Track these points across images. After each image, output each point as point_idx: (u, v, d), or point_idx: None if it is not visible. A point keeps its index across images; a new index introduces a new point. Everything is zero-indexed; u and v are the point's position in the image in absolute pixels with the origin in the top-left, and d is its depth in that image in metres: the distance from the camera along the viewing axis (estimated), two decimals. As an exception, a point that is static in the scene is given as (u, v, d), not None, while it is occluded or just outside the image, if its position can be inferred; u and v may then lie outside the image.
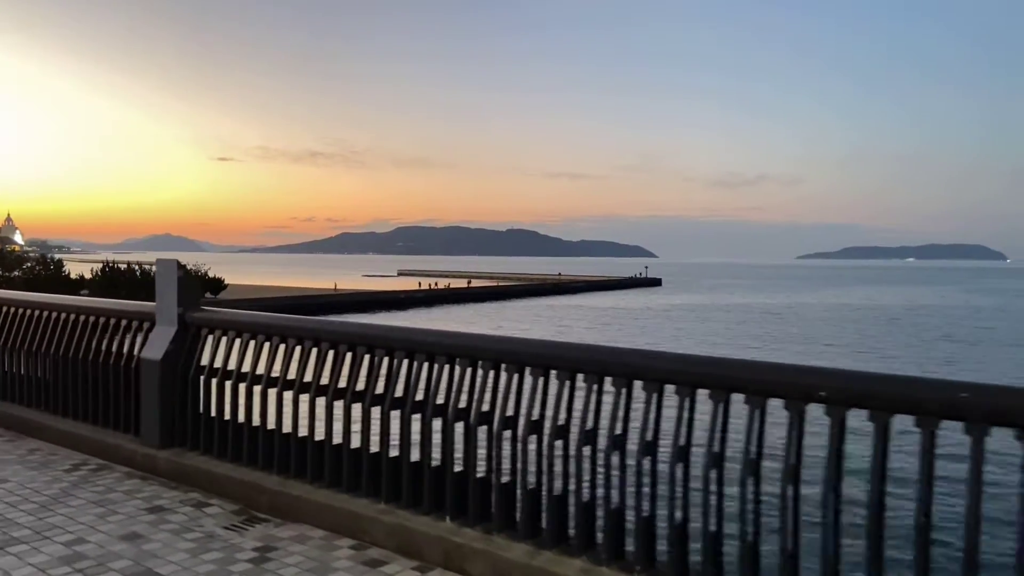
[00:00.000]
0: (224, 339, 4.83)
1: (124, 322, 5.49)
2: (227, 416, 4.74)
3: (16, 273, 62.87)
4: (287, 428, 4.44)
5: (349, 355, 4.22)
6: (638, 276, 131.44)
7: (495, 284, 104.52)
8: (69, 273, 62.44)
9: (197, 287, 5.27)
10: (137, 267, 63.96)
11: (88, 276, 61.72)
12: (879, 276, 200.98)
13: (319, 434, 4.32)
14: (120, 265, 64.08)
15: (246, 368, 4.69)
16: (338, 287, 76.04)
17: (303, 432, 4.38)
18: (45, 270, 63.12)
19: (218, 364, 4.81)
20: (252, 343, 4.70)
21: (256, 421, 4.59)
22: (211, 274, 66.41)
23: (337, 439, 4.21)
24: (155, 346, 5.05)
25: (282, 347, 4.53)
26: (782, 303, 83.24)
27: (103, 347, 5.49)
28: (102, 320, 5.60)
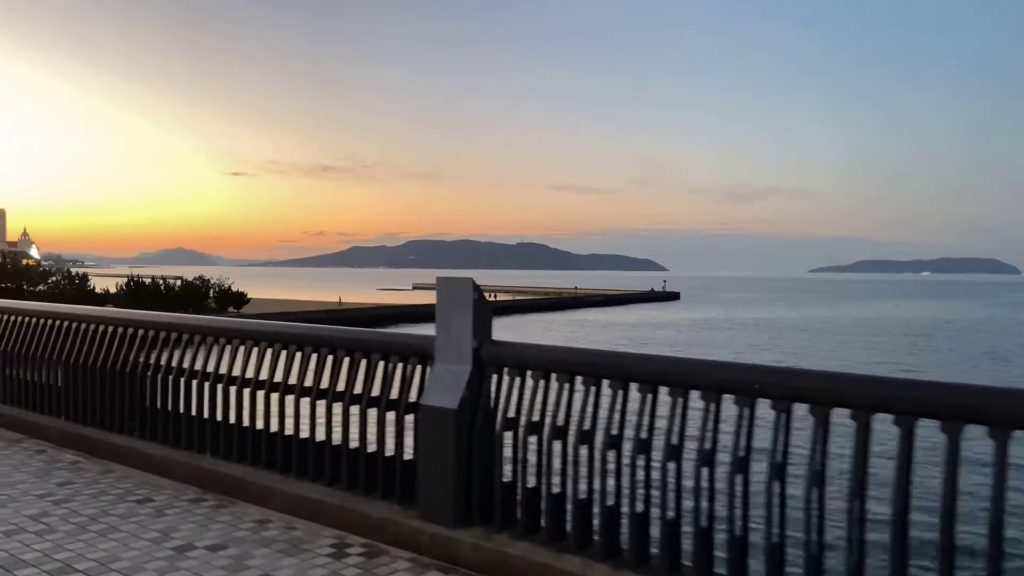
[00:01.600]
0: (518, 380, 3.79)
1: (379, 356, 4.28)
2: (533, 483, 3.69)
3: (41, 287, 63.12)
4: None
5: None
6: (655, 290, 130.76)
7: (513, 298, 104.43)
8: (94, 287, 62.58)
9: (491, 313, 4.08)
10: (161, 281, 64.08)
11: (112, 290, 61.80)
12: (894, 290, 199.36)
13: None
14: (144, 279, 64.22)
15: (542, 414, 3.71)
16: (342, 300, 75.73)
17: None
18: (70, 284, 63.32)
19: (511, 411, 3.79)
20: (551, 382, 3.70)
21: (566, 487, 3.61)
22: (234, 288, 66.75)
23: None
24: (443, 390, 3.88)
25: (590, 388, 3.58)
26: (807, 317, 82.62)
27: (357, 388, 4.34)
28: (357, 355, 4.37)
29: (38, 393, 6.24)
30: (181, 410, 5.10)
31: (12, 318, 6.66)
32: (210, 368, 4.94)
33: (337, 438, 4.36)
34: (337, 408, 4.35)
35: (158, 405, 5.24)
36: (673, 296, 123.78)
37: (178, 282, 63.22)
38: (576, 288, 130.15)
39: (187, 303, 59.96)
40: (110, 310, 6.49)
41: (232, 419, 4.80)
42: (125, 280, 62.01)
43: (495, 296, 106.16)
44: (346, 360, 4.41)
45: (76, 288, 61.56)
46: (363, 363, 4.31)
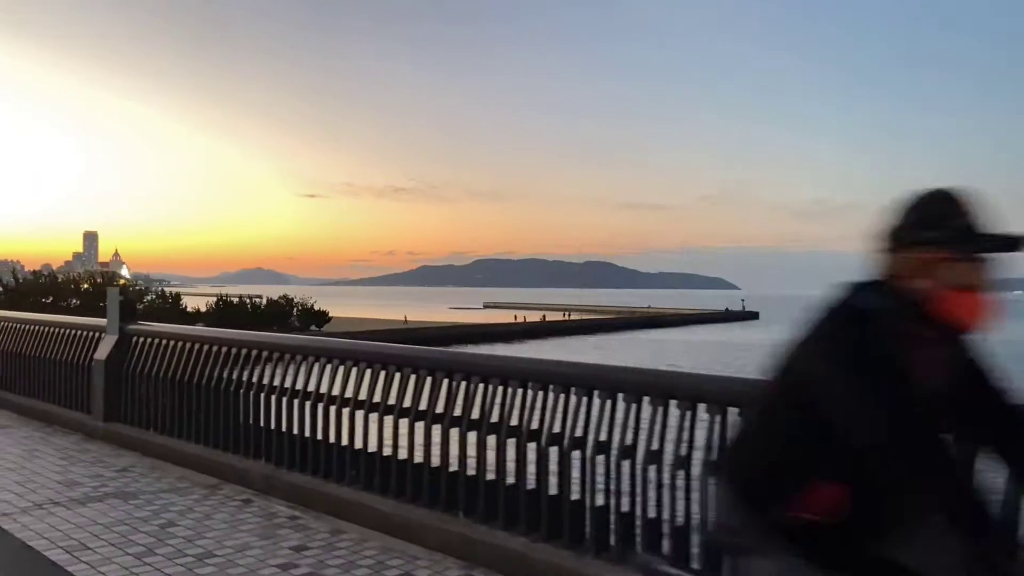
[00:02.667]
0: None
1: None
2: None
3: (139, 307, 65.45)
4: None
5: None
6: (730, 310, 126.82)
7: (589, 317, 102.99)
8: (186, 306, 64.61)
9: None
10: (248, 300, 65.55)
11: (203, 309, 63.49)
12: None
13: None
14: (232, 298, 65.82)
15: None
16: (408, 319, 76.07)
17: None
18: (164, 303, 65.58)
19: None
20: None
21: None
22: (316, 307, 68.03)
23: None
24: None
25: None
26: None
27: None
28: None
29: (234, 430, 5.90)
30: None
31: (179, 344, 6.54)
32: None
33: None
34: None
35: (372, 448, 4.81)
36: (752, 315, 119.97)
37: (263, 301, 64.65)
38: (649, 307, 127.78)
39: (272, 321, 61.35)
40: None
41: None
42: (215, 299, 63.94)
43: (568, 315, 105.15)
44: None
45: (169, 307, 63.88)
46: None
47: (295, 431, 5.39)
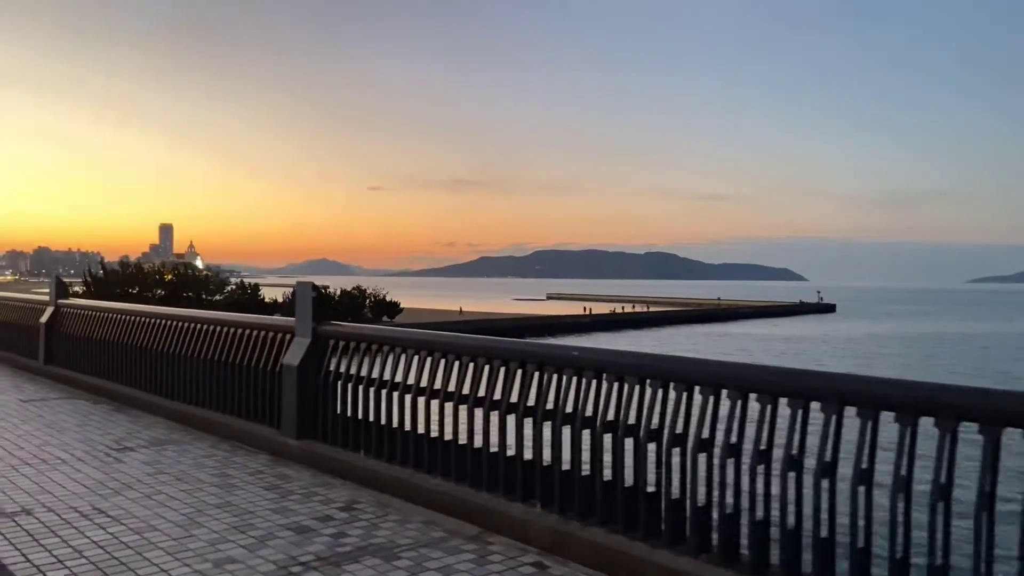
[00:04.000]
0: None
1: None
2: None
3: (217, 297, 66.66)
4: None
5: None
6: (804, 302, 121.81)
7: (661, 309, 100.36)
8: (264, 297, 65.37)
9: None
10: (324, 290, 65.81)
11: (279, 299, 64.19)
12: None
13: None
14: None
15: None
16: (463, 310, 75.70)
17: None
18: (243, 294, 66.48)
19: None
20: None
21: None
22: (388, 298, 68.10)
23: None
24: None
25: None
26: (998, 331, 73.79)
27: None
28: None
29: (488, 462, 4.68)
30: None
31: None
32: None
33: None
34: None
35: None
36: (828, 308, 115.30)
37: (336, 291, 64.91)
38: (719, 299, 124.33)
39: (346, 312, 61.76)
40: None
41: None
42: (291, 291, 64.39)
43: (634, 307, 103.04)
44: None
45: (248, 298, 64.76)
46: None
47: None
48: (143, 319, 8.64)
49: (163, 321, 8.26)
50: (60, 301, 10.95)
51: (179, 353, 7.80)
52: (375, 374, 5.72)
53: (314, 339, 6.21)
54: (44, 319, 10.99)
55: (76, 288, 57.70)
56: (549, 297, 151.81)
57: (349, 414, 5.89)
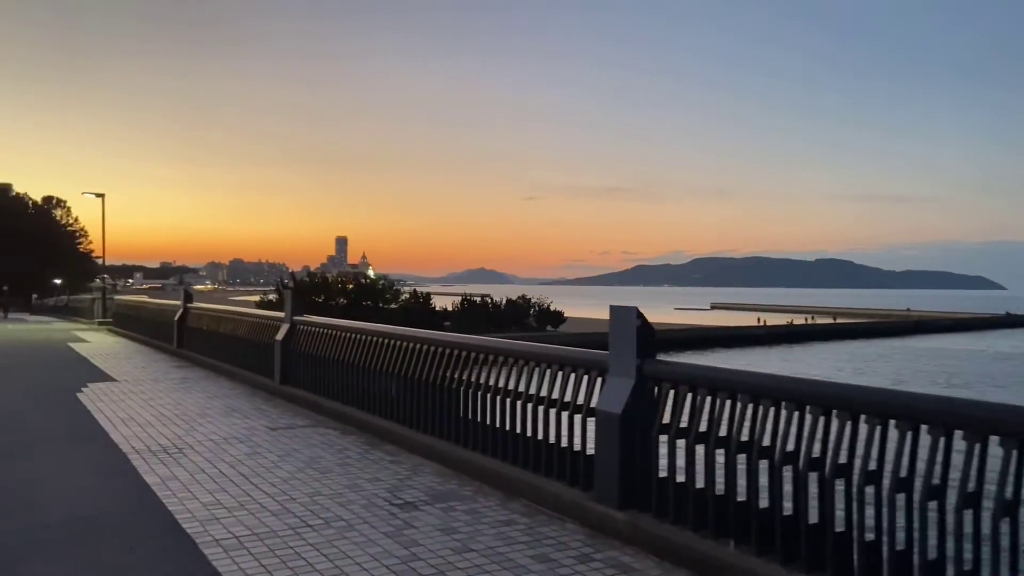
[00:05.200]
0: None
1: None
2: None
3: (393, 305, 69.10)
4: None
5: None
6: (1011, 313, 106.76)
7: (845, 321, 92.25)
8: (435, 306, 66.87)
9: None
10: (489, 300, 66.67)
11: (450, 308, 65.32)
12: None
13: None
14: (474, 298, 67.39)
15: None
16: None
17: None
18: (417, 303, 68.43)
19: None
20: None
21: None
22: (552, 307, 67.46)
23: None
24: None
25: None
26: None
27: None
28: None
29: None
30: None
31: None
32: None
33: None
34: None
35: None
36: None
37: (502, 300, 65.19)
38: (908, 310, 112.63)
39: (511, 321, 61.73)
40: None
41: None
42: (460, 299, 65.63)
43: (812, 318, 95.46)
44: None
45: (420, 306, 66.55)
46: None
47: None
48: (396, 342, 7.76)
49: (422, 346, 7.30)
50: (296, 318, 10.52)
51: (445, 385, 6.78)
52: (722, 431, 4.34)
53: (639, 381, 4.85)
54: (280, 336, 10.63)
55: (271, 297, 62.27)
56: (713, 307, 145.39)
57: (684, 479, 4.51)
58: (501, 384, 6.22)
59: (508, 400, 6.05)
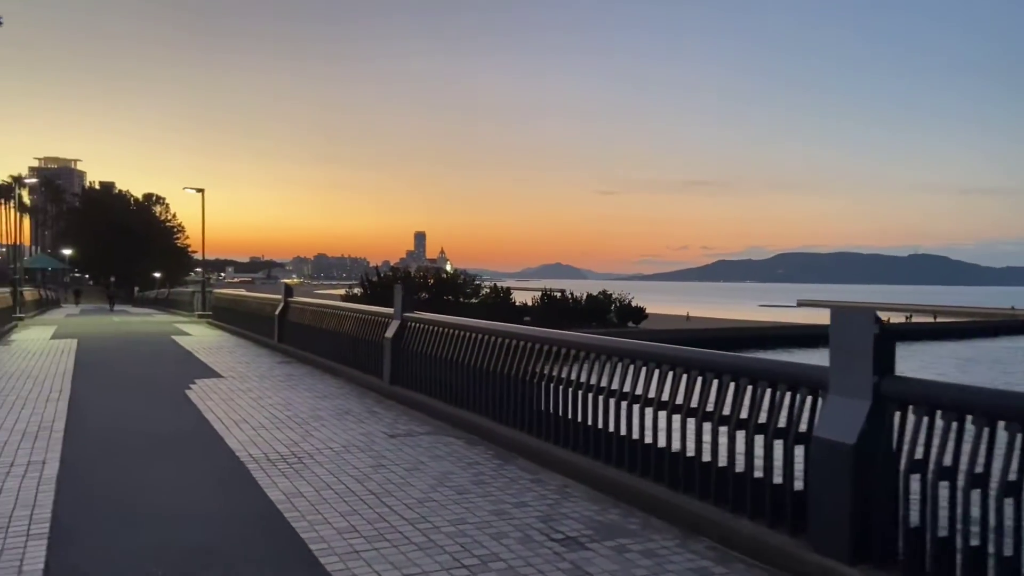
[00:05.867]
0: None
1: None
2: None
3: (473, 300, 68.98)
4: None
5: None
6: None
7: (948, 320, 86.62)
8: (515, 300, 66.33)
9: None
10: (571, 295, 65.82)
11: (530, 303, 64.71)
12: None
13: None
14: (555, 293, 66.63)
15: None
16: (690, 316, 70.50)
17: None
18: (496, 297, 68.09)
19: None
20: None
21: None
22: (634, 303, 65.88)
23: None
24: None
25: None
26: None
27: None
28: None
29: None
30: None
31: None
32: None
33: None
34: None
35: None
36: None
37: (579, 295, 64.18)
38: (1013, 308, 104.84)
39: (591, 316, 60.61)
40: None
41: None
42: (540, 294, 64.92)
43: (910, 317, 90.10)
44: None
45: (501, 301, 66.16)
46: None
47: None
48: (527, 344, 6.99)
49: (560, 349, 6.50)
50: (406, 315, 9.91)
51: (594, 396, 5.95)
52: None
53: (877, 402, 3.87)
54: (389, 334, 10.04)
55: (356, 291, 63.15)
56: (800, 304, 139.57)
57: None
58: (664, 398, 5.35)
59: (679, 417, 5.16)
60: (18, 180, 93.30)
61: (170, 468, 6.27)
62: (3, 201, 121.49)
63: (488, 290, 71.98)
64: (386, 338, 10.09)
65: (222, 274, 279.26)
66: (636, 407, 5.56)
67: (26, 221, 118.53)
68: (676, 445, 5.24)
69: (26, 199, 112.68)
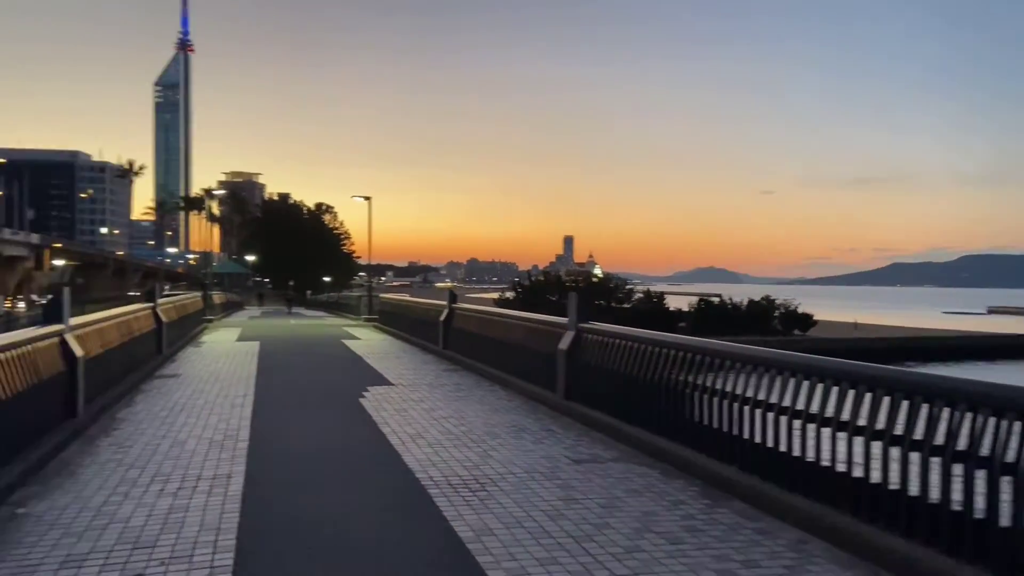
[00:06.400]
0: None
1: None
2: None
3: (626, 306, 67.46)
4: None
5: None
6: None
7: None
8: (668, 306, 64.08)
9: None
10: (729, 301, 62.70)
11: (685, 309, 62.45)
12: None
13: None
14: (712, 298, 63.88)
15: None
16: (858, 324, 63.72)
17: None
18: (649, 303, 66.14)
19: None
20: None
21: None
22: (800, 309, 61.58)
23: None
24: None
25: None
26: None
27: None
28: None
29: None
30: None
31: None
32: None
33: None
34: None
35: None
36: None
37: (740, 301, 61.06)
38: None
39: (752, 324, 57.20)
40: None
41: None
42: (696, 299, 62.44)
43: None
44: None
45: (654, 307, 64.19)
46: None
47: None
48: (745, 364, 6.04)
49: (794, 376, 5.49)
50: (582, 325, 9.21)
51: (833, 432, 4.91)
52: None
53: None
54: (563, 345, 9.38)
55: (508, 294, 63.85)
56: (991, 311, 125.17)
57: None
58: (937, 439, 4.24)
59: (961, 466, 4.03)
60: (208, 193, 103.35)
61: (350, 489, 5.93)
62: (197, 212, 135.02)
63: (641, 295, 70.36)
64: (560, 349, 9.44)
65: (382, 278, 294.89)
66: (896, 449, 4.48)
67: (215, 230, 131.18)
68: (956, 496, 4.12)
69: (215, 210, 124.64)
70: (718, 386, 6.29)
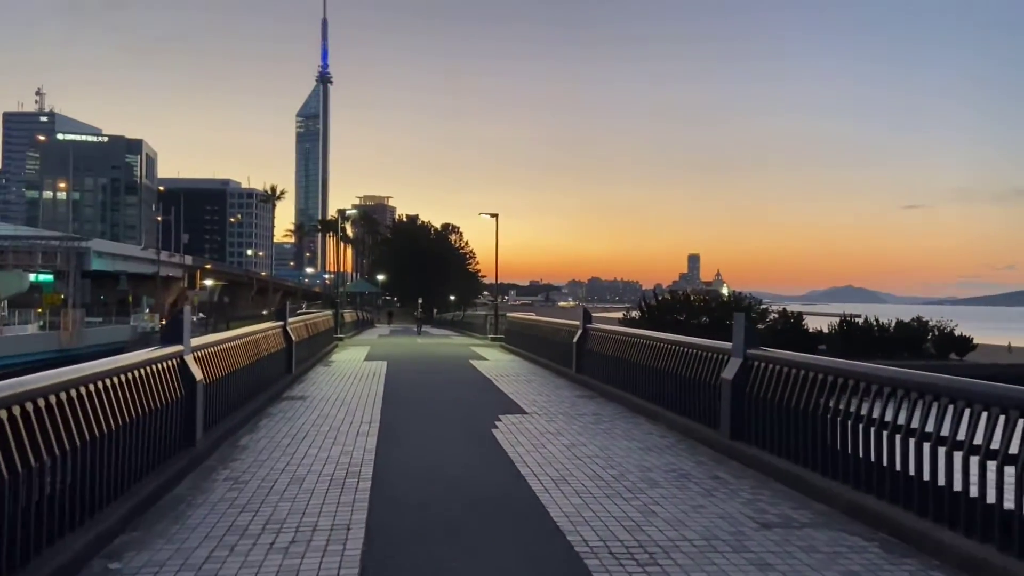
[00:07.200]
0: None
1: None
2: None
3: (760, 326, 63.74)
4: None
5: None
6: None
7: None
8: (807, 327, 60.14)
9: None
10: (875, 322, 58.13)
11: (824, 330, 58.75)
12: None
13: None
14: (855, 319, 59.53)
15: None
16: (1012, 347, 56.66)
17: None
18: (786, 324, 62.32)
19: None
20: None
21: None
22: (957, 332, 55.83)
23: None
24: None
25: None
26: None
27: None
28: None
29: None
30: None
31: None
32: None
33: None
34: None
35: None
36: None
37: (887, 322, 56.51)
38: None
39: (902, 347, 52.57)
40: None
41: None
42: (838, 320, 58.39)
43: None
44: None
45: (791, 327, 60.23)
46: None
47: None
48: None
49: None
50: (751, 351, 7.80)
51: None
52: None
53: None
54: (728, 375, 7.99)
55: (633, 314, 62.04)
56: None
57: None
58: None
59: None
60: (341, 214, 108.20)
61: (488, 554, 4.85)
62: (333, 234, 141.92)
63: (775, 315, 66.49)
64: (723, 379, 8.05)
65: (506, 297, 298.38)
66: None
67: (348, 251, 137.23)
68: None
69: (349, 231, 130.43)
70: (962, 436, 4.78)
